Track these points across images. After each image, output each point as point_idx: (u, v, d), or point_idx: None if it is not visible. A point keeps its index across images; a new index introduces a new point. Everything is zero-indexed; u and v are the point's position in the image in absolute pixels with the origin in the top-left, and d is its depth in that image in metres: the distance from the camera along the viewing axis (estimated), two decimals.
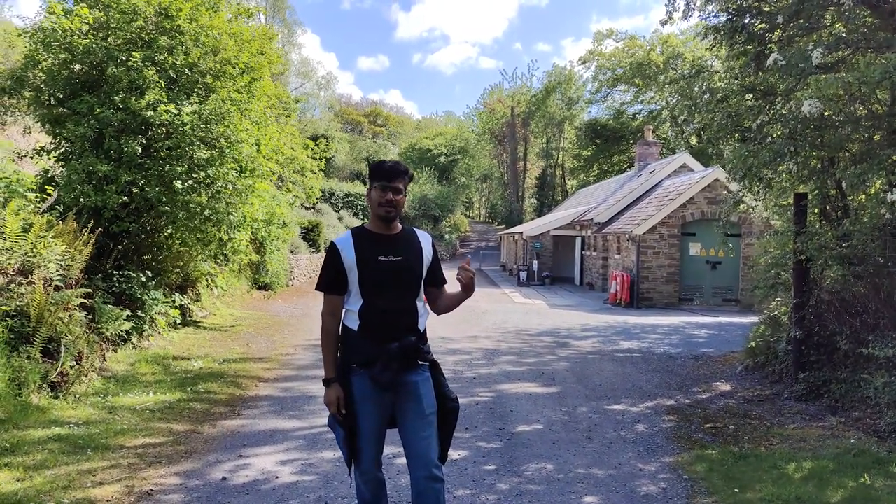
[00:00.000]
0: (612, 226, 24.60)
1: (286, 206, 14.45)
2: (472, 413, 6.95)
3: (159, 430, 5.96)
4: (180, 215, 9.02)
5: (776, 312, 9.08)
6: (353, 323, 3.29)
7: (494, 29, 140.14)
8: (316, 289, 3.41)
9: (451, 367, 9.54)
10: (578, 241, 29.50)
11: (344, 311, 3.34)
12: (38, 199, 8.68)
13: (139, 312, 9.18)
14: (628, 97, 54.00)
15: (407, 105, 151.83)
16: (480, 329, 14.30)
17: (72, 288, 7.47)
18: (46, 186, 9.05)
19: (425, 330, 3.43)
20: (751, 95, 7.70)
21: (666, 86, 47.44)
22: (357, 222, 41.86)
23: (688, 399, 7.97)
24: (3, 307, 6.22)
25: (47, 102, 9.18)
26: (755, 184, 7.80)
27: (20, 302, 6.47)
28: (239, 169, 9.66)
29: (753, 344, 9.28)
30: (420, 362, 3.36)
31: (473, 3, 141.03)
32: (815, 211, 8.17)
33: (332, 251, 3.32)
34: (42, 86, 9.08)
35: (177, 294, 11.19)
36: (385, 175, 3.30)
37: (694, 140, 48.14)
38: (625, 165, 50.14)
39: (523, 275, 29.56)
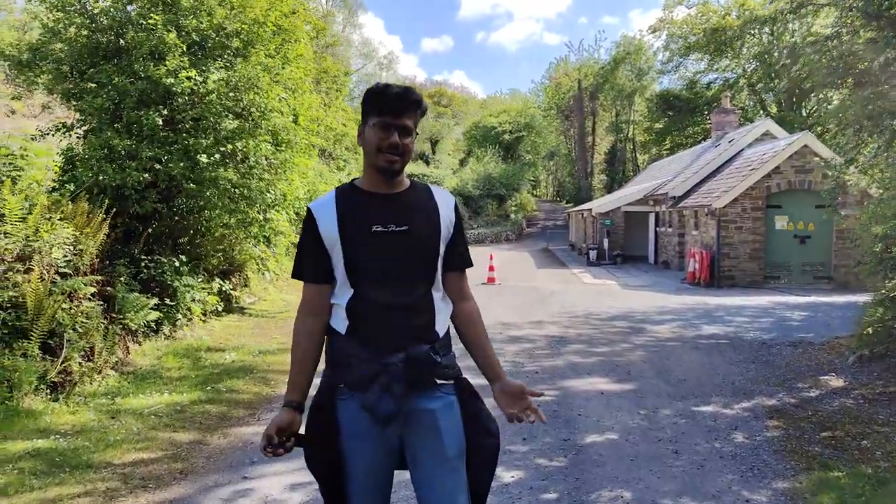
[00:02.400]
0: (688, 200, 22.92)
1: (335, 184, 13.57)
2: None
3: (159, 442, 5.11)
4: (208, 193, 8.20)
5: None
6: (341, 324, 2.26)
7: (558, 3, 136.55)
8: (292, 276, 2.39)
9: (511, 359, 8.47)
10: (652, 217, 27.82)
11: (332, 307, 2.31)
12: (56, 179, 7.99)
13: (169, 301, 8.43)
14: (702, 66, 51.23)
15: (472, 85, 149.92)
16: (546, 313, 13.16)
17: (85, 275, 6.72)
18: (67, 167, 8.37)
19: (448, 333, 2.37)
20: (873, 26, 6.25)
21: (744, 48, 44.70)
22: None
23: (793, 398, 6.68)
24: None
25: (68, 75, 8.48)
26: (873, 138, 6.39)
27: (15, 292, 5.71)
28: (274, 142, 8.77)
29: (870, 330, 7.85)
30: (439, 381, 2.31)
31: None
32: None
33: (308, 221, 2.29)
34: (63, 56, 8.37)
35: (218, 280, 10.45)
36: (390, 106, 2.21)
37: (774, 108, 45.43)
38: (699, 138, 47.59)
39: (593, 254, 28.12)
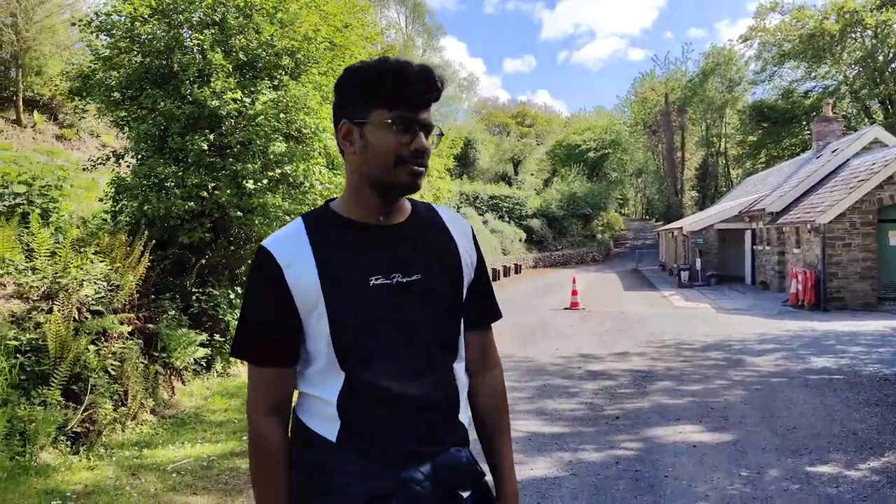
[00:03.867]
0: (788, 215, 21.23)
1: None
2: (607, 479, 4.97)
3: None
4: (257, 221, 7.70)
5: None
6: (327, 427, 1.52)
7: (643, 19, 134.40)
8: (231, 353, 1.61)
9: (588, 399, 7.54)
10: (748, 234, 26.05)
11: (299, 399, 1.59)
12: (108, 210, 7.68)
13: (217, 336, 7.96)
14: (798, 74, 48.79)
15: (556, 104, 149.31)
16: (632, 342, 12.09)
17: (122, 312, 6.28)
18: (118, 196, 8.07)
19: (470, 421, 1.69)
20: None
21: (845, 53, 42.21)
22: (503, 226, 40.10)
23: None
24: (11, 342, 5.04)
25: (120, 102, 8.22)
26: None
27: (36, 334, 5.29)
28: (329, 164, 8.23)
29: None
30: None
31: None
32: None
33: (264, 267, 1.52)
34: (113, 84, 8.12)
35: None
36: (411, 93, 1.50)
37: (880, 115, 42.54)
38: (797, 150, 45.00)
39: (684, 275, 26.56)
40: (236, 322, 8.23)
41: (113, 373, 5.85)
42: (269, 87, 7.83)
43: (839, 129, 27.23)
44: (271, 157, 7.56)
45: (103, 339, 5.93)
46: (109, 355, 5.77)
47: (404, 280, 1.51)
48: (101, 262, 6.28)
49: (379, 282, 1.49)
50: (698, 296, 21.99)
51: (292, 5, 8.03)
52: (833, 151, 23.60)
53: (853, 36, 42.91)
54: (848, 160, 21.89)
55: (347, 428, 1.48)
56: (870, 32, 41.85)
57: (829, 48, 43.48)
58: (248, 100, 7.53)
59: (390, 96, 1.47)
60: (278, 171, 7.60)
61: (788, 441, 5.92)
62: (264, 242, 1.53)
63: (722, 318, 15.91)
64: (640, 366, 9.76)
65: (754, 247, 25.26)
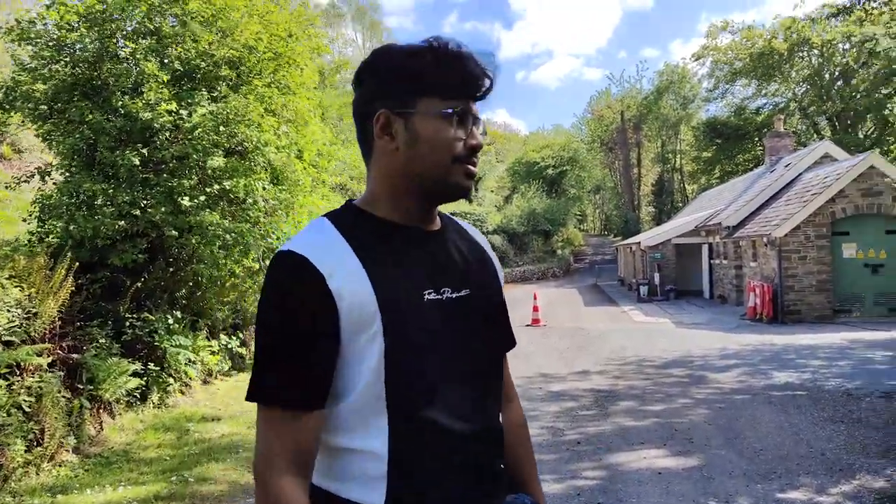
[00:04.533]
0: (744, 229, 21.35)
1: None
2: None
3: None
4: (193, 241, 7.23)
5: None
6: (368, 489, 1.22)
7: (598, 39, 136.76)
8: (254, 398, 1.21)
9: (550, 423, 7.19)
10: (705, 248, 26.21)
11: (319, 461, 1.24)
12: (34, 231, 7.14)
13: (153, 365, 7.43)
14: (750, 91, 49.81)
15: (515, 123, 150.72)
16: (593, 360, 11.82)
17: (41, 342, 5.75)
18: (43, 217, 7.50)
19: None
20: None
21: (793, 72, 43.31)
22: None
23: None
24: None
25: (46, 115, 7.67)
26: None
27: None
28: (273, 180, 7.81)
29: None
30: None
31: (575, 15, 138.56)
32: None
33: (297, 276, 1.20)
34: (38, 95, 7.57)
35: (224, 336, 9.46)
36: (469, 84, 1.31)
37: (828, 132, 43.55)
38: (750, 165, 45.77)
39: (643, 289, 26.56)
40: (175, 347, 7.73)
41: (28, 410, 5.31)
42: (208, 99, 7.39)
43: (791, 144, 27.67)
44: (210, 172, 7.11)
45: (17, 372, 5.39)
46: (22, 390, 5.24)
47: (454, 296, 1.32)
48: (16, 287, 5.74)
49: (432, 297, 1.28)
50: (658, 310, 21.93)
51: (233, 14, 7.61)
52: (786, 166, 23.89)
53: (801, 55, 43.98)
54: (801, 174, 22.17)
55: (400, 487, 1.20)
56: (816, 51, 42.95)
57: (778, 66, 44.52)
58: (184, 112, 7.08)
59: (446, 83, 1.28)
60: (217, 186, 7.15)
61: (756, 464, 5.64)
62: (290, 247, 1.23)
63: (682, 333, 15.78)
64: (601, 385, 9.46)
65: (712, 261, 25.39)
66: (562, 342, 14.40)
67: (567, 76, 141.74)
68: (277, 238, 8.25)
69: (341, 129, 12.86)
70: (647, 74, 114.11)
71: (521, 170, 57.18)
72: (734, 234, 21.83)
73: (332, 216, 1.32)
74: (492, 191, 54.88)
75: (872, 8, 6.30)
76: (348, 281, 1.19)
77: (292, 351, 1.17)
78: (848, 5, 6.91)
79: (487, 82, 1.31)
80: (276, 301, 1.19)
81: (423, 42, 1.30)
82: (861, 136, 40.72)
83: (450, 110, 1.27)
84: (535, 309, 18.80)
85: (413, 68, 1.28)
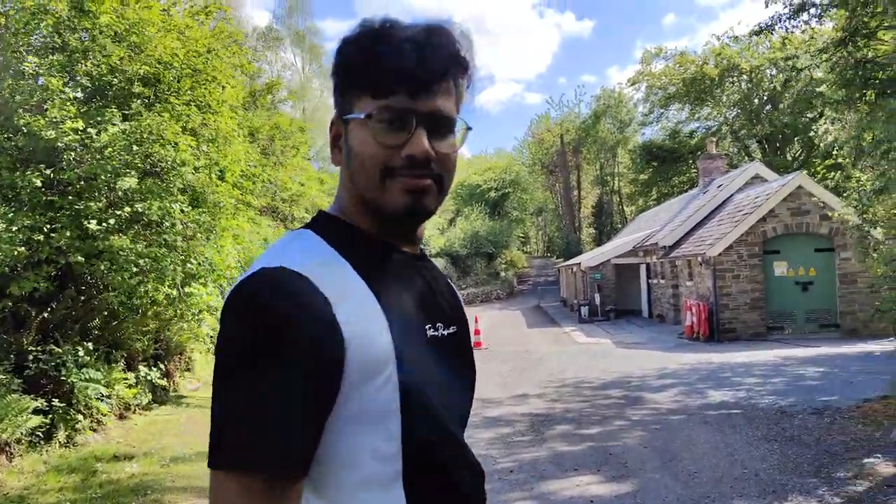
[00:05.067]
0: (680, 249, 21.70)
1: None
2: None
3: None
4: (102, 267, 6.79)
5: None
6: None
7: (538, 65, 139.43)
8: (216, 461, 0.90)
9: (483, 451, 6.95)
10: (643, 268, 26.57)
11: None
12: None
13: (58, 402, 6.92)
14: (683, 115, 51.23)
15: None
16: (533, 382, 11.68)
17: None
18: None
19: None
20: None
21: (724, 96, 44.82)
22: None
23: (837, 495, 5.20)
24: None
25: None
26: None
27: None
28: (193, 202, 7.44)
29: None
30: None
31: (516, 41, 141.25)
32: None
33: (293, 302, 0.90)
34: None
35: (142, 367, 8.95)
36: (406, 71, 1.01)
37: (758, 154, 45.01)
38: (685, 187, 46.95)
39: (584, 310, 26.72)
40: (84, 382, 7.22)
41: None
42: (120, 118, 7.00)
43: (723, 165, 28.42)
44: (120, 193, 6.70)
45: None
46: None
47: (446, 333, 1.12)
48: None
49: (431, 333, 1.08)
50: (598, 331, 22.03)
51: (148, 28, 7.26)
52: (719, 187, 24.46)
53: (731, 80, 45.47)
54: (732, 195, 22.71)
55: None
56: (745, 77, 44.50)
57: (710, 91, 45.94)
58: (93, 131, 6.68)
59: (374, 75, 1.02)
60: (129, 209, 6.74)
61: (691, 488, 5.52)
62: (279, 262, 0.94)
63: (621, 353, 15.83)
64: (539, 409, 9.30)
65: (650, 280, 25.73)
66: (503, 366, 14.23)
67: (509, 100, 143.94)
68: (199, 263, 7.86)
69: (272, 150, 12.55)
70: (585, 99, 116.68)
71: (463, 192, 57.41)
72: (670, 254, 22.16)
73: (316, 228, 1.06)
74: (436, 214, 54.91)
75: (793, 26, 6.46)
76: (358, 310, 0.94)
77: (289, 401, 0.88)
78: (769, 24, 7.09)
79: (437, 66, 1.01)
80: (264, 334, 0.88)
81: (363, 25, 1.05)
82: (789, 158, 42.23)
83: (362, 114, 1.01)
84: (477, 332, 18.64)
85: (344, 60, 1.05)
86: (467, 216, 50.69)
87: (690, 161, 46.65)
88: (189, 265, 7.52)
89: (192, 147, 7.22)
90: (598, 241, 55.86)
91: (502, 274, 48.71)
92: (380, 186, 1.02)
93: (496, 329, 23.37)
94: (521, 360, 15.16)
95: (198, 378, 11.29)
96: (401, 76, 1.00)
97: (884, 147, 4.98)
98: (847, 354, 13.36)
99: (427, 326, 1.07)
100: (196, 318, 8.20)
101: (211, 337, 11.57)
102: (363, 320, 0.93)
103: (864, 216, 7.92)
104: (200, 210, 7.56)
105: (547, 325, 25.51)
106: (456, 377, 1.12)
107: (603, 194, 61.74)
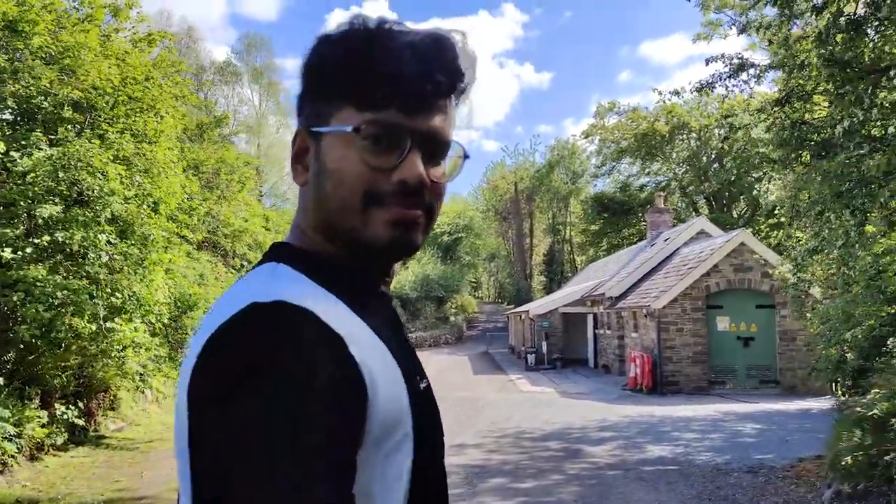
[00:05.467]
0: (626, 300, 21.88)
1: (221, 290, 11.86)
2: None
3: None
4: (15, 298, 6.41)
5: (876, 410, 6.25)
6: None
7: (496, 113, 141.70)
8: None
9: None
10: (590, 318, 26.70)
11: None
12: None
13: None
14: (635, 169, 52.46)
15: None
16: (473, 431, 11.46)
17: None
18: None
19: None
20: (837, 77, 5.07)
21: (674, 153, 46.14)
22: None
23: None
24: None
25: None
26: (842, 219, 5.15)
27: None
28: (121, 233, 7.13)
29: (848, 459, 6.38)
30: None
31: (475, 90, 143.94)
32: None
33: (309, 342, 0.73)
34: None
35: (59, 405, 8.47)
36: (404, 84, 0.85)
37: (706, 210, 46.22)
38: (635, 239, 47.83)
39: (531, 358, 26.65)
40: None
41: None
42: (47, 143, 6.71)
43: (670, 219, 29.03)
44: (40, 221, 6.38)
45: None
46: None
47: (423, 386, 0.92)
48: None
49: (422, 385, 0.92)
50: (544, 379, 21.93)
51: (85, 53, 7.02)
52: (665, 240, 24.90)
53: (681, 137, 46.87)
54: (679, 248, 23.09)
55: None
56: (695, 135, 45.93)
57: (661, 147, 47.25)
58: (17, 154, 6.37)
59: (364, 82, 0.85)
60: (48, 238, 6.41)
61: None
62: (277, 296, 0.76)
63: (565, 403, 15.72)
64: (475, 459, 9.07)
65: (596, 330, 25.85)
66: (445, 414, 13.79)
67: (467, 147, 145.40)
68: (126, 298, 7.51)
69: (217, 183, 12.26)
70: (540, 149, 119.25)
71: None
72: (617, 305, 22.33)
73: (293, 260, 0.87)
74: None
75: (733, 86, 6.63)
76: (370, 354, 0.78)
77: (337, 457, 0.71)
78: (710, 82, 7.26)
79: (442, 79, 0.88)
80: (274, 387, 0.70)
81: (353, 22, 0.89)
82: (735, 215, 43.43)
83: (348, 127, 0.85)
84: None
85: (325, 61, 0.88)
86: (419, 259, 50.64)
87: (640, 214, 47.60)
88: (114, 299, 7.17)
89: (122, 176, 6.94)
90: (549, 289, 56.24)
91: (452, 319, 48.52)
92: (361, 214, 0.86)
93: (443, 374, 23.09)
94: (465, 408, 14.91)
95: (122, 417, 10.77)
96: (398, 87, 0.85)
97: (818, 208, 5.05)
98: (785, 411, 13.48)
99: (418, 377, 0.91)
100: (119, 354, 7.80)
101: (140, 374, 11.11)
102: (378, 365, 0.78)
103: (800, 275, 8.04)
104: (129, 242, 7.25)
105: (494, 372, 25.33)
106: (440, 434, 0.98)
107: (555, 243, 62.46)
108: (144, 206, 7.37)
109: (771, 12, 5.95)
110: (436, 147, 0.89)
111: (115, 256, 6.99)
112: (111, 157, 6.90)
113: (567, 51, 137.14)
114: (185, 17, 69.06)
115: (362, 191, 0.85)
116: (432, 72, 0.86)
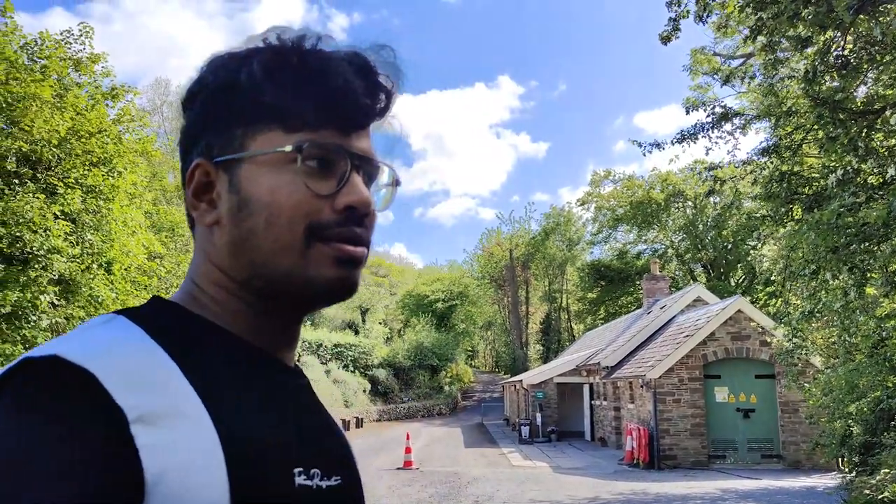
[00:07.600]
0: (622, 370, 21.22)
1: None
2: None
3: None
4: None
5: (887, 493, 5.63)
6: None
7: (492, 182, 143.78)
8: None
9: None
10: (586, 388, 25.93)
11: None
12: None
13: None
14: (631, 237, 52.48)
15: (411, 257, 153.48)
16: None
17: None
18: None
19: None
20: (830, 124, 4.67)
21: (670, 220, 46.17)
22: (347, 376, 37.77)
23: None
24: None
25: None
26: (840, 276, 4.67)
27: None
28: (64, 294, 6.62)
29: None
30: None
31: (472, 159, 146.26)
32: None
33: (70, 408, 0.56)
34: None
35: None
36: (338, 103, 0.73)
37: (703, 278, 45.93)
38: (633, 307, 47.35)
39: (525, 430, 25.72)
40: None
41: None
42: None
43: (666, 287, 28.59)
44: None
45: None
46: None
47: (324, 484, 0.71)
48: None
49: (303, 481, 0.69)
50: (538, 453, 21.07)
51: (34, 103, 6.67)
52: (662, 308, 24.41)
53: (676, 205, 46.94)
54: (675, 316, 22.58)
55: None
56: (690, 203, 46.00)
57: (656, 215, 47.29)
58: None
59: (295, 100, 0.74)
60: None
61: None
62: (55, 350, 0.60)
63: (557, 479, 14.92)
64: None
65: (592, 401, 25.06)
66: (425, 491, 13.18)
67: (463, 214, 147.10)
68: None
69: (187, 240, 11.84)
70: (535, 216, 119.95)
71: (411, 302, 57.04)
72: (612, 375, 21.66)
73: (139, 316, 0.70)
74: (380, 322, 54.01)
75: (717, 136, 6.36)
76: (174, 434, 0.60)
77: None
78: (693, 132, 6.99)
79: (380, 97, 0.79)
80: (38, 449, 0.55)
81: (258, 40, 0.78)
82: (733, 283, 43.05)
83: (288, 147, 0.73)
84: (408, 451, 17.54)
85: (236, 79, 0.75)
86: (413, 326, 50.06)
87: (637, 282, 47.23)
88: None
89: (67, 234, 6.49)
90: (545, 357, 55.40)
91: (446, 388, 47.54)
92: (302, 252, 0.73)
93: (432, 447, 22.23)
94: (449, 484, 14.12)
95: None
96: (333, 104, 0.75)
97: (813, 267, 4.62)
98: (789, 489, 12.73)
99: (297, 470, 0.69)
100: None
101: None
102: (183, 449, 0.60)
103: (796, 341, 7.53)
104: (75, 302, 6.74)
105: (485, 445, 24.41)
106: None
107: (551, 311, 61.85)
108: (94, 267, 6.90)
109: (756, 63, 5.65)
110: (371, 171, 0.80)
111: (59, 320, 6.48)
112: (57, 213, 6.47)
113: (563, 121, 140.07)
114: (181, 85, 70.72)
115: (304, 224, 0.73)
116: (370, 87, 0.78)
